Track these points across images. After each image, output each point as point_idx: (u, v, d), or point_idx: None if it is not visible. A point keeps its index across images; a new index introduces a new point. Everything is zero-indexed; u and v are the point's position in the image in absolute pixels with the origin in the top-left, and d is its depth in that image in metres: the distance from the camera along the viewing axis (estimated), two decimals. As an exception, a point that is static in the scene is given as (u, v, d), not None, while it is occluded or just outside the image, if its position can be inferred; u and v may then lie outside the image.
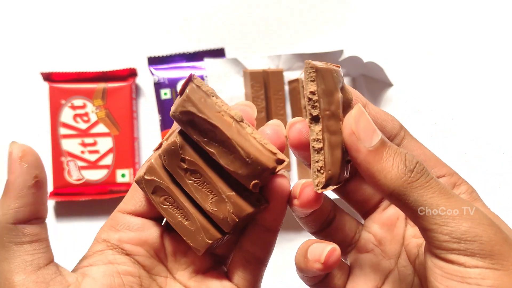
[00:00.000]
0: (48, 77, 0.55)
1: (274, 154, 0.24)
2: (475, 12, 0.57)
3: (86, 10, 0.58)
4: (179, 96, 0.24)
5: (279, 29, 0.57)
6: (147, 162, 0.27)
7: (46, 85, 0.56)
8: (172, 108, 0.25)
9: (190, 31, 0.58)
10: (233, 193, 0.25)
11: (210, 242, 0.26)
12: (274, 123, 0.26)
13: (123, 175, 0.54)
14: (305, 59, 0.54)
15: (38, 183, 0.24)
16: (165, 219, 0.29)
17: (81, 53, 0.57)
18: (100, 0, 0.58)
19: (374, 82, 0.52)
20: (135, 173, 0.55)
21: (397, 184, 0.22)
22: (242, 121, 0.24)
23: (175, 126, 0.27)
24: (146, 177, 0.26)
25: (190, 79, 0.24)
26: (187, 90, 0.24)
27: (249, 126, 0.24)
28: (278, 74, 0.54)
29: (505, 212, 0.57)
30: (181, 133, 0.25)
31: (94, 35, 0.58)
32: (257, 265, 0.28)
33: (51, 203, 0.56)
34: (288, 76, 0.55)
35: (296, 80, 0.54)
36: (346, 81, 0.55)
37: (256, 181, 0.24)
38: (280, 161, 0.24)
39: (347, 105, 0.25)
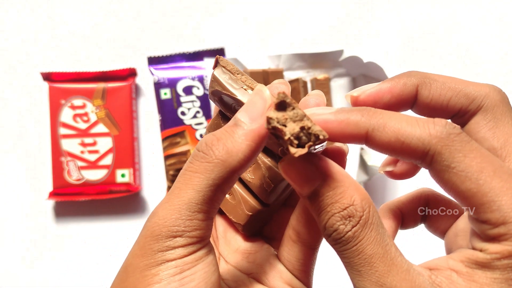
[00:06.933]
0: (48, 77, 0.55)
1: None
2: (476, 11, 0.57)
3: (86, 10, 0.58)
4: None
5: (279, 29, 0.57)
6: None
7: (46, 85, 0.56)
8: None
9: (190, 31, 0.58)
10: (268, 159, 0.26)
11: (250, 214, 0.26)
12: (316, 93, 0.25)
13: (123, 175, 0.54)
14: (305, 59, 0.54)
15: None
16: None
17: (81, 53, 0.57)
18: (100, 0, 0.58)
19: (374, 82, 0.52)
20: (135, 173, 0.54)
21: None
22: None
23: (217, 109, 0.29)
24: None
25: (216, 61, 0.26)
26: (213, 72, 0.26)
27: None
28: (278, 74, 0.54)
29: None
30: (220, 112, 0.28)
31: (94, 35, 0.58)
32: (303, 246, 0.24)
33: (50, 203, 0.56)
34: (288, 76, 0.55)
35: (296, 80, 0.54)
36: (346, 81, 0.55)
37: (281, 148, 0.25)
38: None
39: None
